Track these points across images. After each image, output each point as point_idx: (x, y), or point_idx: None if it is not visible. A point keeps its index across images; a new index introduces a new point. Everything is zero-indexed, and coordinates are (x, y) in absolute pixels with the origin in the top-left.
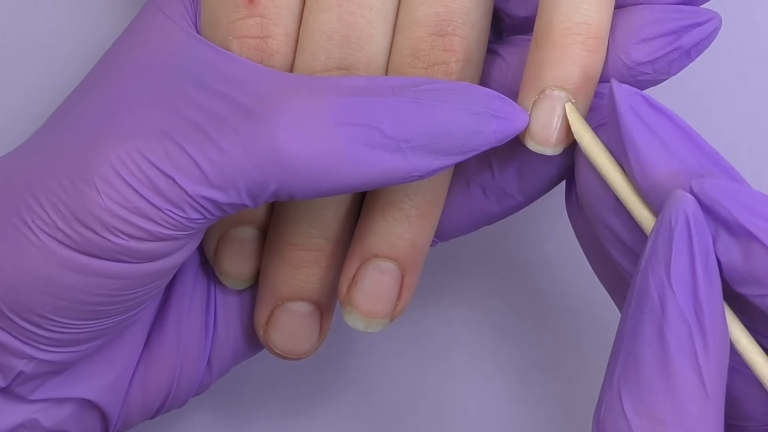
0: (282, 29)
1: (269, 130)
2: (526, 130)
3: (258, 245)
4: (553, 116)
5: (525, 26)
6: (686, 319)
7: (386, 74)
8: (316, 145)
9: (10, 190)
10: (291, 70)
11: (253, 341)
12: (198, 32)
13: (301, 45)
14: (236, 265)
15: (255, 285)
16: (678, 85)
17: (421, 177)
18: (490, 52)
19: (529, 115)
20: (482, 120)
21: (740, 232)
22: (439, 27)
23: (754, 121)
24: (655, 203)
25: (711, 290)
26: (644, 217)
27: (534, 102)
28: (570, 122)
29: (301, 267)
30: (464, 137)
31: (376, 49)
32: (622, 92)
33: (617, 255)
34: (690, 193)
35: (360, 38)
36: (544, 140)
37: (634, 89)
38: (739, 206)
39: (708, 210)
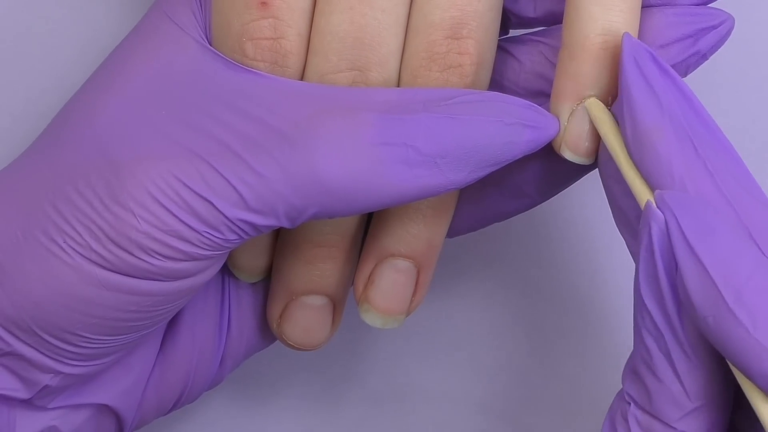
0: (295, 30)
1: (308, 155)
2: (562, 140)
3: (271, 238)
4: (590, 126)
5: (532, 25)
6: (659, 329)
7: (399, 76)
8: (354, 168)
9: (30, 206)
10: (303, 70)
11: (266, 335)
12: (209, 39)
13: (313, 47)
14: (250, 258)
15: (268, 279)
16: None
17: (456, 189)
18: (500, 50)
19: (565, 126)
20: (515, 131)
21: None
22: (454, 30)
23: (754, 121)
24: (640, 159)
25: (678, 306)
26: (637, 186)
27: (572, 113)
28: (590, 112)
29: (316, 263)
30: (498, 149)
31: (388, 50)
32: (630, 45)
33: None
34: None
35: (372, 40)
36: (582, 151)
37: (645, 46)
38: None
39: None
